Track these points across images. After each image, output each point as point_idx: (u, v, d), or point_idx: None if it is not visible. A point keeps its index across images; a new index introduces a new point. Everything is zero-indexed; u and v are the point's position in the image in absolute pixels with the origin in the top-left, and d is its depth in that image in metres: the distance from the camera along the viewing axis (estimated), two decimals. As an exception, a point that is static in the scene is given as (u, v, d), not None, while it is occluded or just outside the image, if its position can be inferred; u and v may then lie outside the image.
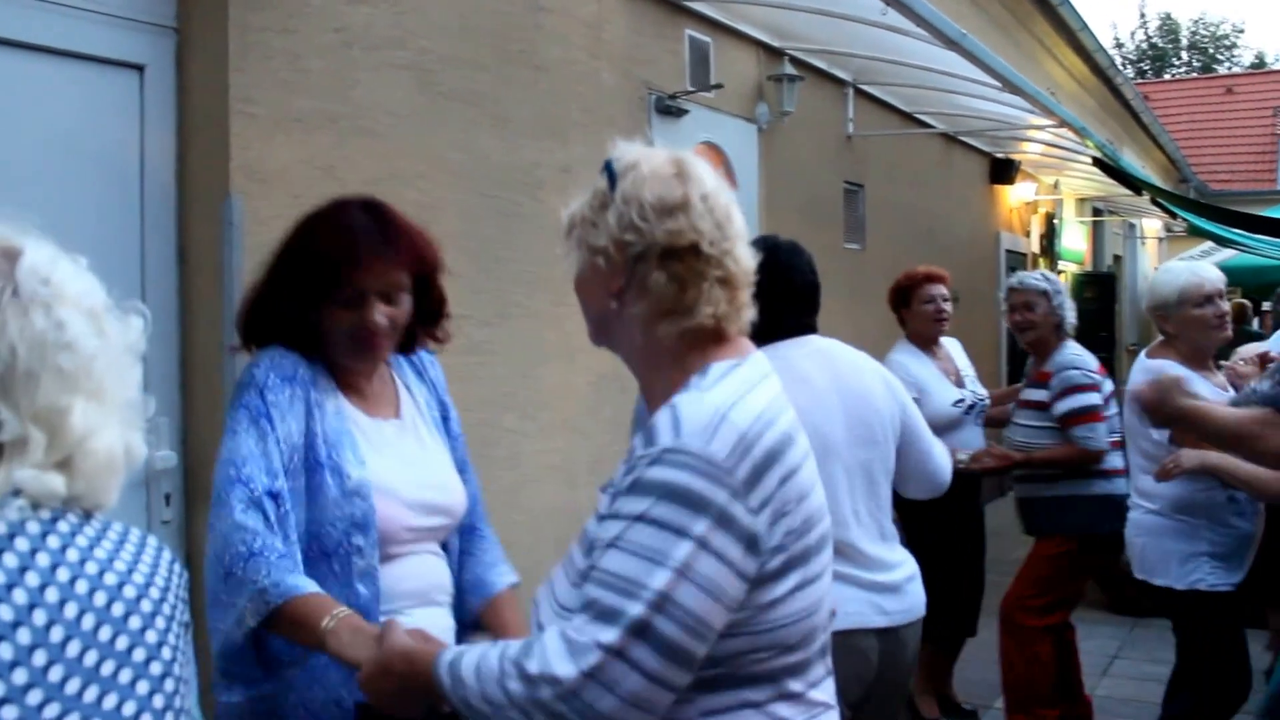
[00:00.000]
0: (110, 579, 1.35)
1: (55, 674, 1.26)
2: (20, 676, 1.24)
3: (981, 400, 5.79)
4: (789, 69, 7.63)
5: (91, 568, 1.34)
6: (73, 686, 1.28)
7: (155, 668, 1.37)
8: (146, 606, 1.38)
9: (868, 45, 7.90)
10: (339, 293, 2.34)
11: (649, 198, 1.83)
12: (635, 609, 1.65)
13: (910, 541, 5.75)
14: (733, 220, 1.90)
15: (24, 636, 1.25)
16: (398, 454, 2.45)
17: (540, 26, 5.41)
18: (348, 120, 4.34)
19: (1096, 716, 5.57)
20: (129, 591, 1.37)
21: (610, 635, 1.65)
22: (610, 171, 1.90)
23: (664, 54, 6.46)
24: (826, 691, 1.91)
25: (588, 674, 1.64)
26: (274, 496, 2.24)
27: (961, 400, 5.65)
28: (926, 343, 5.81)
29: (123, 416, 1.43)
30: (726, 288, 1.87)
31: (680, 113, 6.51)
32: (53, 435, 1.34)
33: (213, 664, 2.28)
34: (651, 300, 1.85)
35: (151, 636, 1.38)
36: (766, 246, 3.53)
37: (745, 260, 1.91)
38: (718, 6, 6.90)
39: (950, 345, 6.00)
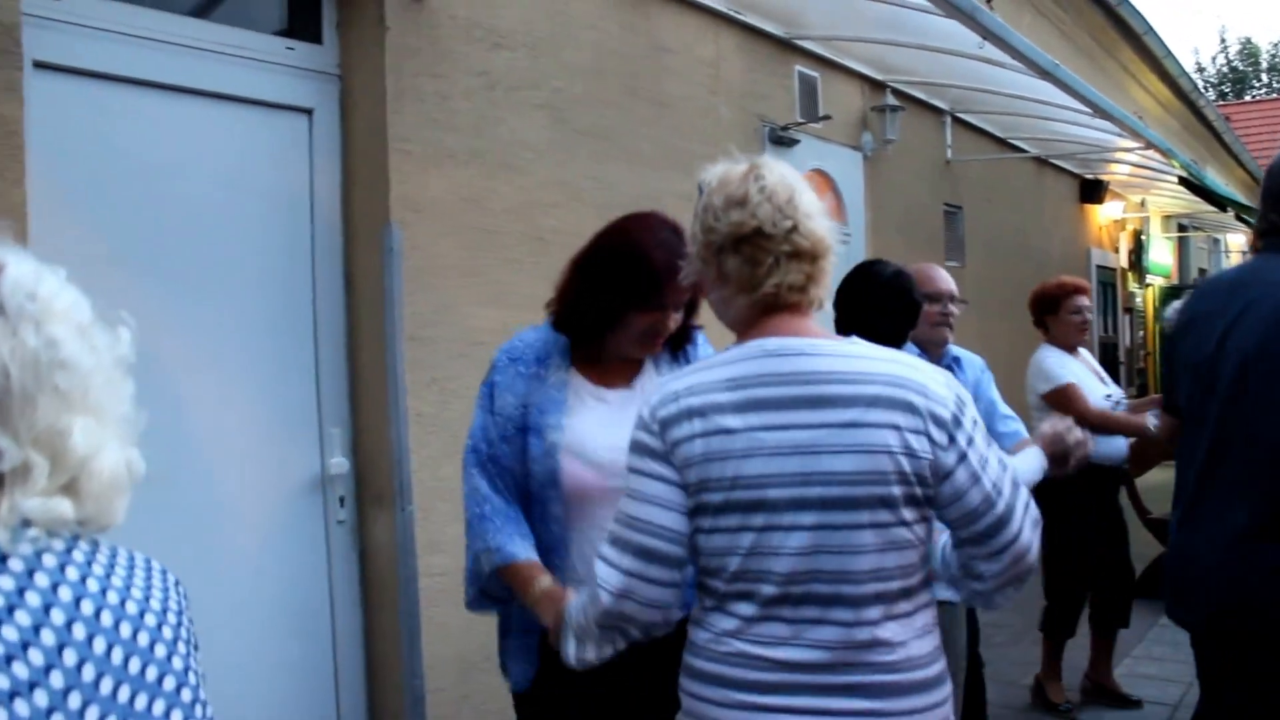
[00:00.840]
0: (131, 607, 1.21)
1: (92, 715, 1.12)
2: None
3: (1123, 400, 5.68)
4: (891, 100, 7.60)
5: (113, 597, 1.19)
6: None
7: (186, 694, 1.23)
8: (168, 633, 1.24)
9: (965, 76, 7.83)
10: (655, 300, 2.54)
11: (718, 200, 2.07)
12: (612, 527, 2.08)
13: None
14: (796, 203, 2.05)
15: (57, 680, 1.10)
16: (604, 419, 2.62)
17: (664, 67, 5.47)
18: (492, 155, 4.42)
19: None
20: (150, 619, 1.22)
21: (601, 548, 2.09)
22: (700, 189, 2.14)
23: (776, 89, 6.48)
24: (739, 614, 2.03)
25: (597, 582, 2.06)
26: (493, 460, 2.62)
27: (1110, 395, 5.54)
28: (1069, 350, 5.70)
29: (120, 432, 1.28)
30: (797, 260, 2.04)
31: (792, 142, 6.52)
32: (55, 459, 1.18)
33: (469, 586, 2.71)
34: (731, 281, 2.07)
35: (178, 663, 1.23)
36: (870, 270, 3.74)
37: (817, 232, 2.06)
38: (825, 44, 6.91)
39: (1084, 354, 5.89)
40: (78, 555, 1.19)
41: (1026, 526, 2.08)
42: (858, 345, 2.08)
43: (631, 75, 5.24)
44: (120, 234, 3.43)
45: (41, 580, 1.14)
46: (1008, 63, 7.07)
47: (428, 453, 4.05)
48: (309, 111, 3.98)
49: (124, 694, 1.15)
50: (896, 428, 1.97)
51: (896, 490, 1.97)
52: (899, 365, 2.04)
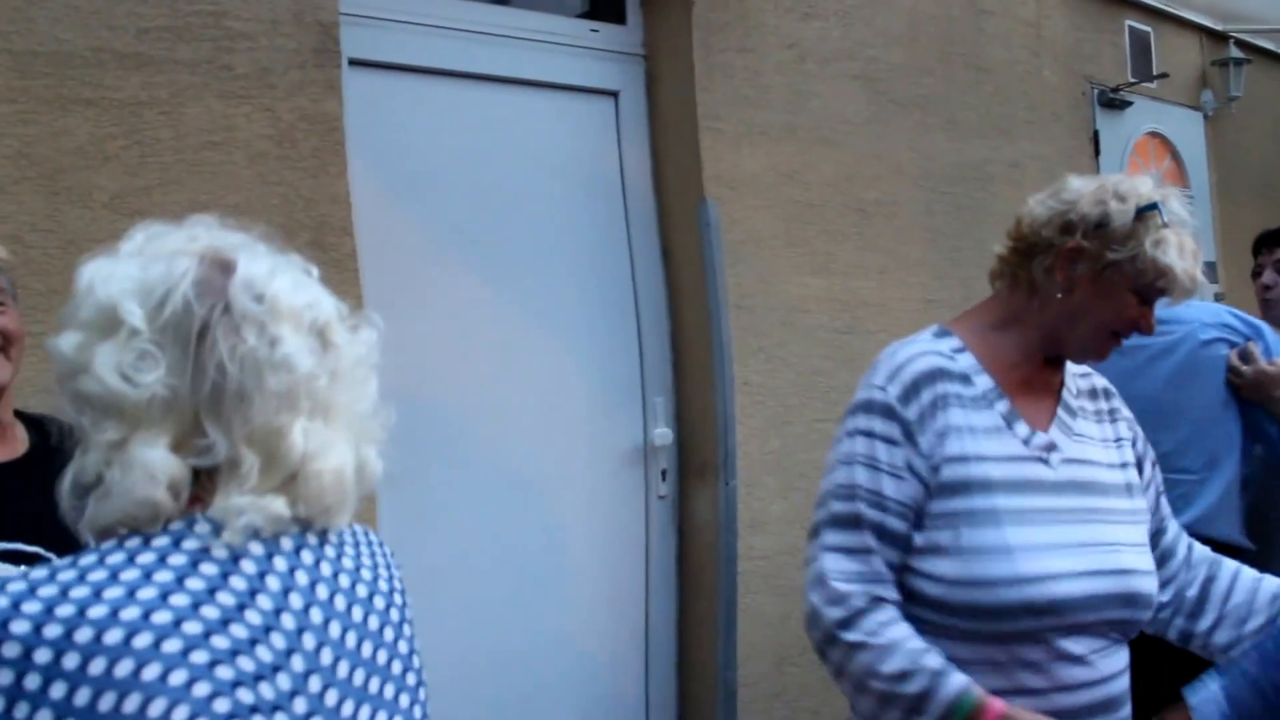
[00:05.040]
0: (362, 590, 1.26)
1: (331, 697, 1.17)
2: (300, 705, 1.14)
3: None
4: (1235, 52, 7.04)
5: (344, 580, 1.24)
6: (347, 709, 1.18)
7: (410, 678, 1.28)
8: (394, 615, 1.29)
9: (1324, 17, 7.20)
10: None
11: None
12: None
13: None
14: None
15: (298, 663, 1.15)
16: None
17: (982, 29, 5.21)
18: (806, 130, 4.29)
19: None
20: (378, 602, 1.27)
21: None
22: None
23: (1104, 47, 6.09)
24: None
25: None
26: None
27: None
28: None
29: (355, 432, 1.29)
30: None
31: (1124, 105, 6.11)
32: (269, 457, 1.20)
33: None
34: None
35: (403, 646, 1.29)
36: None
37: (1034, 212, 2.08)
38: (1157, -5, 6.48)
39: None
40: (306, 556, 1.22)
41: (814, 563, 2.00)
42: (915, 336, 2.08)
43: (948, 40, 4.99)
44: (438, 221, 3.55)
45: (280, 564, 1.19)
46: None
47: (754, 424, 3.98)
48: (615, 94, 3.98)
49: (358, 677, 1.20)
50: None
51: None
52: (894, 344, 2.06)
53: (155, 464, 1.15)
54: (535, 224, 3.75)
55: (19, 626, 1.03)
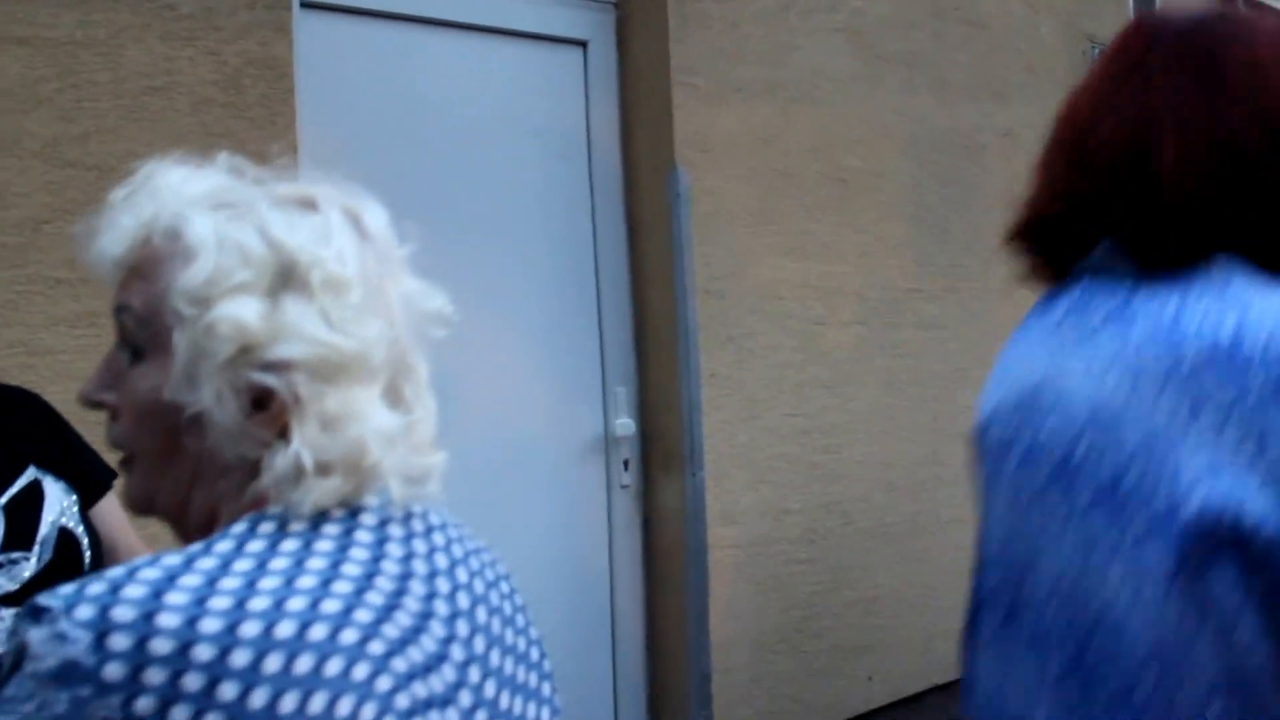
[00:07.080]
0: (489, 573, 1.20)
1: (490, 689, 1.12)
2: (465, 699, 1.08)
3: None
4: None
5: (474, 562, 1.18)
6: (504, 701, 1.13)
7: (534, 653, 1.22)
8: (519, 599, 1.24)
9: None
10: None
11: None
12: None
13: None
14: None
15: (458, 653, 1.09)
16: None
17: (977, -20, 5.23)
18: (787, 87, 4.33)
19: None
20: (504, 585, 1.22)
21: None
22: None
23: (1108, 3, 6.11)
24: None
25: None
26: None
27: None
28: None
29: None
30: None
31: (1126, 66, 6.15)
32: (431, 411, 1.16)
33: None
34: None
35: (534, 632, 1.24)
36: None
37: None
38: (1165, -52, 6.49)
39: None
40: (438, 538, 1.15)
41: None
42: None
43: (940, -9, 5.03)
44: (392, 178, 3.47)
45: (419, 555, 1.11)
46: None
47: (722, 416, 4.03)
48: (583, 44, 4.00)
49: (508, 665, 1.16)
50: None
51: None
52: None
53: (391, 428, 1.08)
54: (498, 186, 3.77)
55: (168, 620, 0.90)
